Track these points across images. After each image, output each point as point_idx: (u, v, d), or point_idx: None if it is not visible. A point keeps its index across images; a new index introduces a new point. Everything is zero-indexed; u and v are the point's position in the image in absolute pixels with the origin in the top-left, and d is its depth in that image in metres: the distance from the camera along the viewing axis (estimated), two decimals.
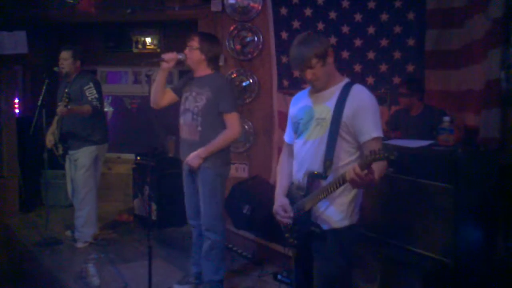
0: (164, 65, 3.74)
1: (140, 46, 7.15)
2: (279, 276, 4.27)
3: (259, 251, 4.83)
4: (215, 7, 5.62)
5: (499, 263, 3.20)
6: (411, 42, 4.95)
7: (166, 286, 4.13)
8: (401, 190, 3.39)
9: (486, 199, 3.23)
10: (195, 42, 3.80)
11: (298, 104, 2.80)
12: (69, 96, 4.65)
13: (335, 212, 2.62)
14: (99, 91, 4.99)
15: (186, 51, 3.82)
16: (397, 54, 5.02)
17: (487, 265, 3.21)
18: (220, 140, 3.77)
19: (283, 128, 5.46)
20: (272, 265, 4.58)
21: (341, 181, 2.39)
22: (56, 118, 5.11)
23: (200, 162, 3.77)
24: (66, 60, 4.98)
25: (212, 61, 3.87)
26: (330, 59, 2.60)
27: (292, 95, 3.03)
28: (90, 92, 4.89)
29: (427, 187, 3.23)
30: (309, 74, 2.59)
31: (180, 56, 3.77)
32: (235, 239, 5.06)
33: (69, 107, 4.64)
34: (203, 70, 3.85)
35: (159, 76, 3.82)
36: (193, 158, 3.78)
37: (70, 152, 5.05)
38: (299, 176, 2.73)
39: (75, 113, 4.82)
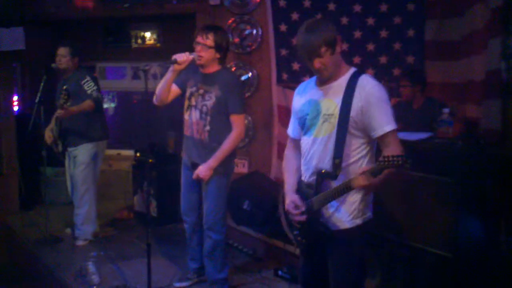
0: (177, 66, 3.55)
1: (139, 41, 7.08)
2: (280, 272, 4.25)
3: (259, 247, 4.80)
4: (213, 0, 5.57)
5: (501, 257, 3.16)
6: (411, 33, 4.88)
7: (166, 283, 4.12)
8: (400, 184, 3.34)
9: (487, 192, 3.18)
10: (210, 41, 3.59)
11: (303, 97, 2.67)
12: (67, 93, 4.60)
13: (346, 211, 2.52)
14: (97, 84, 4.94)
15: (199, 48, 3.60)
16: (397, 46, 4.95)
17: (489, 259, 3.17)
18: (228, 145, 3.68)
19: (282, 123, 5.46)
20: (273, 261, 4.55)
21: (348, 188, 2.35)
22: (55, 115, 5.07)
23: (211, 173, 3.69)
24: (64, 56, 4.93)
25: (224, 57, 3.74)
26: (339, 47, 2.48)
27: (291, 88, 2.96)
28: (89, 86, 4.84)
29: (427, 180, 3.19)
30: (317, 63, 2.44)
31: (192, 56, 3.58)
32: (235, 235, 5.02)
33: (68, 104, 4.60)
34: (213, 67, 3.70)
35: (169, 77, 3.61)
36: (205, 171, 3.67)
37: (69, 149, 5.02)
38: (307, 174, 2.63)
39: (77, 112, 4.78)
